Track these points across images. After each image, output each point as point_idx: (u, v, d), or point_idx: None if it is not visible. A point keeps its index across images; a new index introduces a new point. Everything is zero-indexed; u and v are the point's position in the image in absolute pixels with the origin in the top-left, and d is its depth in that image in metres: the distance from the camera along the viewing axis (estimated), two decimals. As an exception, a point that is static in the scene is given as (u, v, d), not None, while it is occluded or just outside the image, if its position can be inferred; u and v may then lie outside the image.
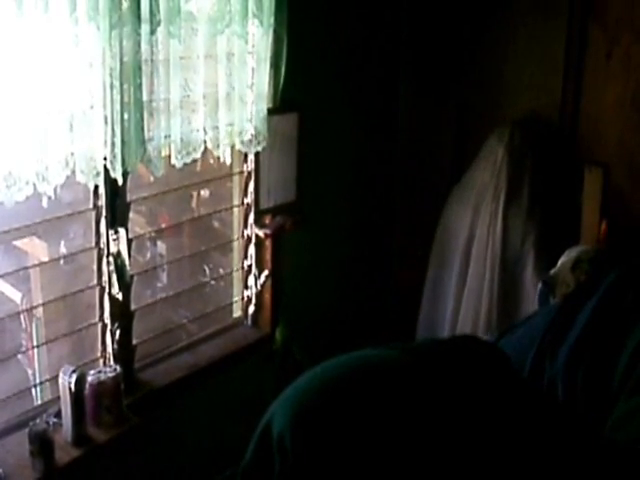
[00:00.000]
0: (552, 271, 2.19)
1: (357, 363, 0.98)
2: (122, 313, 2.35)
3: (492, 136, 2.80)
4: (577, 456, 1.02)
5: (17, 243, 2.49)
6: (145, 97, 2.07)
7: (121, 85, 1.98)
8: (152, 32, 2.03)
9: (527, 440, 0.95)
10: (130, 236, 2.31)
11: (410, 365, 0.95)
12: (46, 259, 2.51)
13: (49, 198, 1.93)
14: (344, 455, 0.88)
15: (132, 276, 2.34)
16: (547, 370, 1.59)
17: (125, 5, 1.94)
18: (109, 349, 2.36)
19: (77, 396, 2.11)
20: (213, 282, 2.95)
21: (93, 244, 2.28)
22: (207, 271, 2.95)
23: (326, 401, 0.91)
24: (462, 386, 0.96)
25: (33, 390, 2.37)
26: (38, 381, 2.44)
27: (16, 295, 2.55)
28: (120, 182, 2.12)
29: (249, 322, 2.88)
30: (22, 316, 2.54)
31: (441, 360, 0.99)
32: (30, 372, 2.56)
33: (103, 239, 2.26)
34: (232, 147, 2.41)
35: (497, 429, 0.94)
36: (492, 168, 2.74)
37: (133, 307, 2.40)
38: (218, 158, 2.39)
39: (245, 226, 2.77)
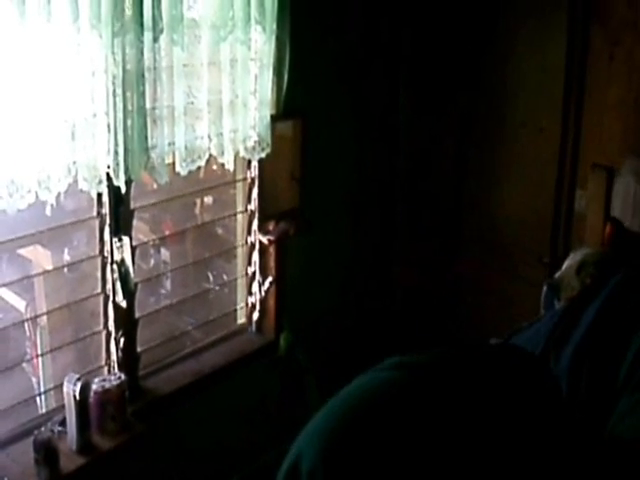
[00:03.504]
0: (557, 274, 2.18)
1: (381, 390, 0.96)
2: (126, 321, 2.35)
3: (623, 171, 2.51)
4: (580, 454, 1.01)
5: (21, 251, 2.49)
6: (148, 105, 2.07)
7: (124, 93, 1.99)
8: (155, 40, 2.04)
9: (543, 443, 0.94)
10: (134, 244, 2.31)
11: (440, 390, 0.94)
12: (50, 267, 2.51)
13: (53, 206, 1.94)
14: None
15: (136, 284, 2.34)
16: (552, 370, 1.58)
17: (128, 13, 1.95)
18: (113, 357, 2.36)
19: (82, 404, 2.11)
20: (217, 289, 2.95)
21: (97, 252, 2.28)
22: (211, 278, 2.95)
23: (357, 433, 0.90)
24: (495, 409, 0.94)
25: (38, 398, 2.37)
26: (43, 389, 2.44)
27: (20, 303, 2.56)
28: (124, 190, 2.12)
29: (253, 328, 2.87)
30: (26, 324, 2.54)
31: (471, 381, 0.96)
32: (35, 380, 2.57)
33: (107, 247, 2.26)
34: (236, 154, 2.41)
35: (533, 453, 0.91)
36: (630, 206, 2.56)
37: (137, 315, 2.40)
38: (222, 165, 2.40)
39: (249, 232, 2.76)
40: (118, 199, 2.22)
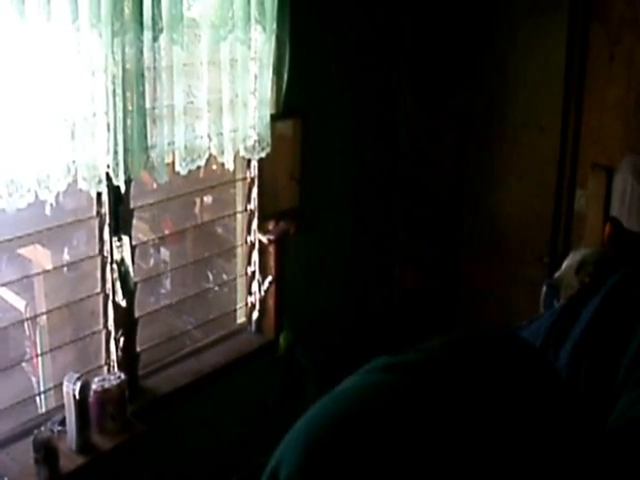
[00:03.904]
0: (556, 274, 2.18)
1: (368, 396, 0.93)
2: (126, 320, 2.35)
3: (620, 168, 2.57)
4: (584, 441, 1.00)
5: (21, 251, 2.49)
6: (148, 104, 2.07)
7: (124, 92, 1.99)
8: (155, 39, 2.03)
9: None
10: (134, 243, 2.30)
11: (432, 395, 0.91)
12: (50, 267, 2.51)
13: (52, 206, 1.94)
14: None
15: (136, 283, 2.34)
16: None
17: (127, 12, 1.95)
18: (113, 356, 2.36)
19: (81, 404, 2.11)
20: (217, 288, 2.95)
21: (97, 251, 2.28)
22: (211, 277, 2.95)
23: (338, 442, 0.88)
24: (493, 409, 0.91)
25: (37, 398, 2.37)
26: (42, 389, 2.43)
27: (20, 303, 2.56)
28: (123, 189, 2.12)
29: (253, 328, 2.87)
30: (26, 324, 2.54)
31: (462, 382, 0.93)
32: (34, 380, 2.56)
33: (107, 246, 2.26)
34: (236, 153, 2.41)
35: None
36: (627, 204, 2.53)
37: (137, 314, 2.39)
38: (222, 164, 2.39)
39: (249, 232, 2.76)
40: (118, 198, 2.21)
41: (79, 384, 2.09)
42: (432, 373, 0.92)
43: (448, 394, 0.89)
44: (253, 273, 2.82)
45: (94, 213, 2.25)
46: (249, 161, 2.64)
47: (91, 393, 2.16)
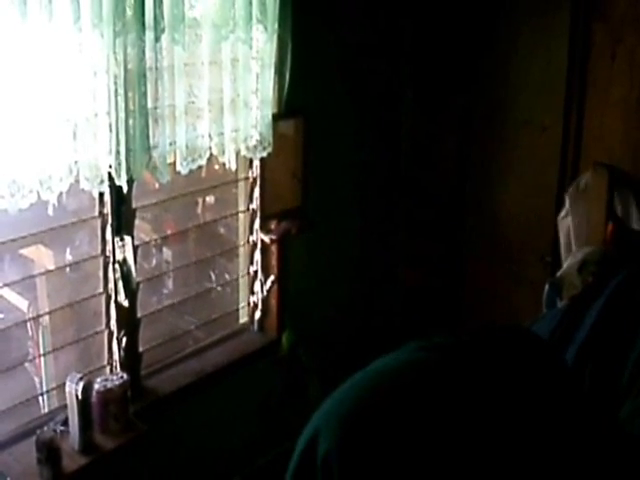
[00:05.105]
0: (559, 273, 2.18)
1: (403, 373, 0.95)
2: (128, 320, 2.35)
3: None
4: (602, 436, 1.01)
5: (23, 251, 2.49)
6: (150, 104, 2.07)
7: (126, 92, 1.99)
8: (156, 39, 2.04)
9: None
10: (136, 243, 2.31)
11: (463, 374, 0.93)
12: (52, 267, 2.51)
13: (54, 206, 1.94)
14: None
15: (138, 283, 2.34)
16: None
17: (129, 12, 1.95)
18: (116, 356, 2.36)
19: (84, 404, 2.11)
20: (219, 288, 2.94)
21: (99, 252, 2.28)
22: (213, 277, 2.95)
23: (373, 416, 0.89)
24: (518, 392, 0.93)
25: (40, 398, 2.37)
26: (45, 389, 2.43)
27: (23, 303, 2.55)
28: (125, 189, 2.12)
29: (255, 328, 2.87)
30: (29, 324, 2.54)
31: (493, 362, 0.96)
32: (37, 380, 2.56)
33: (109, 246, 2.26)
34: (237, 153, 2.41)
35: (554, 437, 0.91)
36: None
37: (139, 314, 2.40)
38: (223, 164, 2.40)
39: (251, 232, 2.76)
40: (120, 198, 2.22)
41: (82, 384, 2.09)
42: (463, 357, 0.94)
43: (474, 375, 0.92)
44: (255, 273, 2.82)
45: (96, 213, 2.25)
46: (251, 161, 2.64)
47: (93, 393, 2.17)
